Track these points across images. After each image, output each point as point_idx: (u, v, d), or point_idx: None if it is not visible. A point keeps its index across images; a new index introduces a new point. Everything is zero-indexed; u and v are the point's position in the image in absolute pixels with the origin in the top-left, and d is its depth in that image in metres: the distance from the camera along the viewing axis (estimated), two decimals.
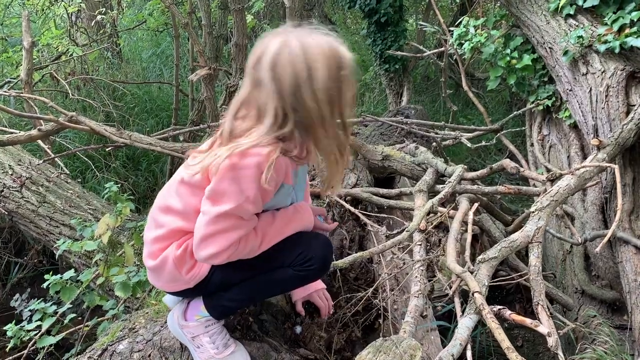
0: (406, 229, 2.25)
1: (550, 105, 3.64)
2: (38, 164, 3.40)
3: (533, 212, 2.40)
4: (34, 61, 5.10)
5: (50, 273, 2.15)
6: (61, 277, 2.11)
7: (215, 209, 1.38)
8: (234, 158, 1.33)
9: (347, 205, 2.97)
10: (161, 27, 6.38)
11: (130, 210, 2.55)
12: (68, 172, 3.66)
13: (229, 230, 1.40)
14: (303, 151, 1.46)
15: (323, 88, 1.34)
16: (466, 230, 2.54)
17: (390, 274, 2.43)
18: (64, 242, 2.26)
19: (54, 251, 3.24)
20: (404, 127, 3.48)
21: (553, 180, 2.69)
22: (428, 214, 2.37)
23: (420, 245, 2.41)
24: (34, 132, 2.78)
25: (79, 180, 4.91)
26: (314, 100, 1.34)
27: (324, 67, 1.34)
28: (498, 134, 3.64)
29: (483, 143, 3.49)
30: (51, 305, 2.16)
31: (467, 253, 2.35)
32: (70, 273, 2.15)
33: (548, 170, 3.57)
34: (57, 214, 3.23)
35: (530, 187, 3.14)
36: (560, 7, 3.37)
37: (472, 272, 2.24)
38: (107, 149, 3.20)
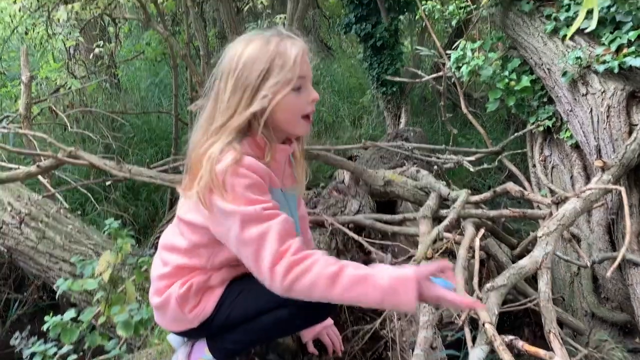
0: (413, 259, 2.21)
1: (550, 125, 3.63)
2: (37, 199, 3.37)
3: (540, 237, 2.36)
4: (32, 95, 5.11)
5: (51, 313, 2.10)
6: (61, 318, 2.06)
7: (234, 214, 1.29)
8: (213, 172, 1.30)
9: (351, 233, 2.93)
10: (159, 56, 6.42)
11: (131, 245, 2.51)
12: (67, 206, 3.62)
13: (265, 231, 1.29)
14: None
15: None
16: (473, 257, 2.51)
17: None
18: (64, 282, 2.21)
19: (55, 288, 3.19)
20: (408, 153, 3.46)
21: (558, 203, 2.66)
22: (434, 241, 2.33)
23: None
24: (32, 168, 2.75)
25: (79, 212, 4.88)
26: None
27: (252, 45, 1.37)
28: (500, 156, 3.62)
29: (485, 165, 3.47)
30: (52, 346, 2.10)
31: (476, 280, 2.31)
32: (71, 313, 2.10)
33: (551, 192, 3.54)
34: (57, 249, 3.18)
35: (535, 210, 3.11)
36: (557, 28, 3.39)
37: (481, 301, 2.20)
38: (107, 183, 3.16)
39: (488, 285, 2.21)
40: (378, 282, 1.21)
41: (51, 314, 2.07)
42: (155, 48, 6.70)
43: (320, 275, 1.24)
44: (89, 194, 4.65)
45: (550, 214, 2.69)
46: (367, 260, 3.11)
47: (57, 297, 2.36)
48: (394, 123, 6.68)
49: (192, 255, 1.47)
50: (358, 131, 7.25)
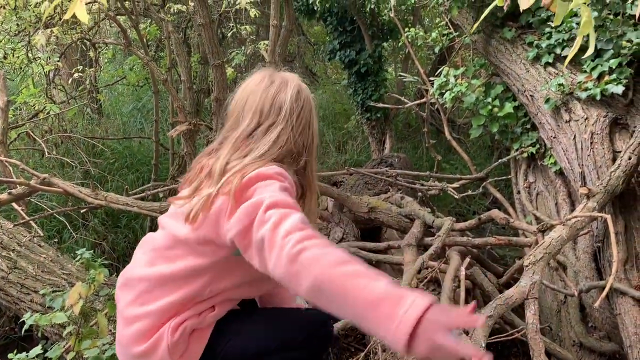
0: None
1: (534, 152, 3.62)
2: (10, 228, 3.25)
3: (527, 265, 2.32)
4: (11, 120, 5.01)
5: (15, 351, 1.98)
6: (27, 355, 1.95)
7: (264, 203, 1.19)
8: (252, 173, 1.29)
9: None
10: (141, 81, 6.36)
11: (105, 276, 2.41)
12: (42, 234, 3.50)
13: (292, 209, 1.18)
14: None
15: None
16: (459, 286, 2.45)
17: None
18: (30, 316, 2.10)
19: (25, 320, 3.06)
20: (392, 180, 3.42)
21: (544, 230, 2.63)
22: (419, 271, 2.27)
23: None
24: (3, 196, 2.66)
25: (56, 240, 4.74)
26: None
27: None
28: (484, 183, 3.60)
29: (469, 192, 3.44)
30: None
31: None
32: (37, 350, 1.99)
33: (537, 219, 3.51)
34: (28, 280, 3.05)
35: (521, 237, 3.07)
36: (539, 55, 3.41)
37: (467, 333, 2.13)
38: (82, 211, 3.06)
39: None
40: (373, 291, 0.97)
41: (15, 352, 1.96)
42: (138, 73, 6.66)
43: (330, 252, 1.05)
44: (66, 222, 4.53)
45: (536, 241, 2.65)
46: None
47: (22, 331, 2.23)
48: (378, 148, 6.69)
49: (188, 282, 1.35)
50: (343, 156, 7.24)
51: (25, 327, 2.11)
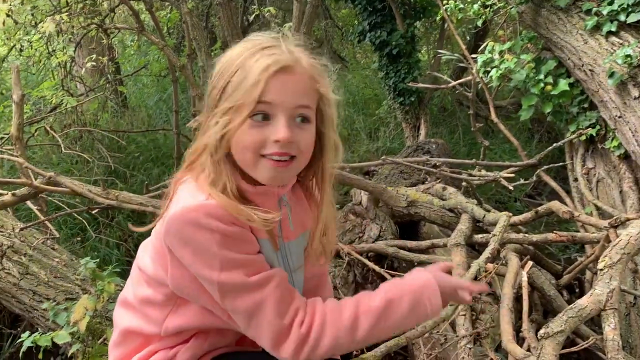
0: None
1: (594, 134, 3.22)
2: (22, 229, 3.04)
3: (602, 269, 1.95)
4: (29, 115, 4.83)
5: None
6: None
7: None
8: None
9: (371, 264, 2.54)
10: (164, 71, 6.14)
11: (119, 285, 2.16)
12: (57, 236, 3.29)
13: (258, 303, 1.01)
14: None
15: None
16: (517, 292, 2.11)
17: (431, 355, 1.98)
18: (28, 335, 1.86)
19: (39, 329, 2.86)
20: (434, 171, 3.08)
21: (617, 226, 2.25)
22: (475, 278, 1.93)
23: (465, 315, 1.97)
24: (7, 197, 2.44)
25: (79, 238, 4.57)
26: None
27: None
28: (537, 170, 3.22)
29: (522, 181, 3.07)
30: None
31: (526, 326, 1.90)
32: None
33: (598, 209, 3.12)
34: (40, 286, 2.84)
35: (585, 233, 2.69)
36: (599, 24, 3.00)
37: (533, 351, 1.81)
38: (93, 211, 2.82)
39: (542, 331, 1.81)
40: (401, 306, 1.07)
41: None
42: (162, 63, 6.44)
43: (338, 330, 1.03)
44: (87, 220, 4.33)
45: (607, 239, 2.28)
46: None
47: (20, 354, 1.99)
48: (412, 135, 6.36)
49: (142, 316, 1.12)
50: (375, 144, 6.90)
51: (24, 349, 1.86)
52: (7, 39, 4.90)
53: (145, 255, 1.13)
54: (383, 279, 2.60)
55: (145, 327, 1.11)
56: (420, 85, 4.38)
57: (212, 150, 1.02)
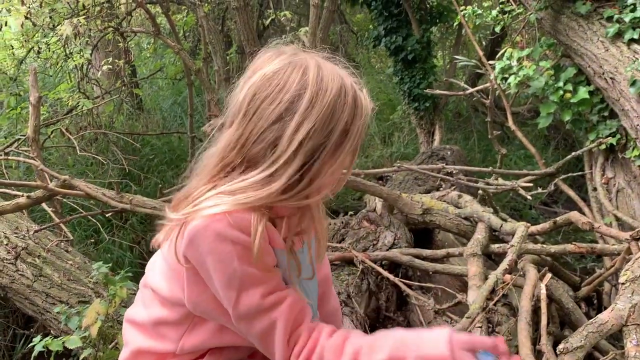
0: (466, 315, 1.78)
1: (614, 143, 3.15)
2: (36, 231, 3.05)
3: (624, 283, 1.91)
4: (46, 116, 4.87)
5: None
6: None
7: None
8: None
9: (385, 273, 2.51)
10: (180, 75, 6.15)
11: (131, 289, 2.15)
12: (71, 238, 3.30)
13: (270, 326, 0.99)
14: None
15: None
16: (534, 305, 2.06)
17: None
18: (39, 340, 1.85)
19: (51, 331, 2.87)
20: (450, 179, 3.04)
21: (638, 239, 2.20)
22: (492, 291, 1.89)
23: (481, 327, 1.93)
24: (21, 200, 2.44)
25: (92, 240, 4.58)
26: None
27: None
28: (555, 180, 3.16)
29: (540, 190, 3.02)
30: None
31: (544, 340, 1.85)
32: None
33: (617, 219, 3.05)
34: (54, 289, 2.84)
35: (605, 245, 2.63)
36: (621, 31, 2.94)
37: None
38: (107, 215, 2.82)
39: (561, 346, 1.76)
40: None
41: None
42: (177, 66, 6.46)
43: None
44: (101, 222, 4.34)
45: (628, 251, 2.23)
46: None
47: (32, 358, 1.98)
48: (427, 140, 6.31)
49: (156, 336, 1.08)
50: (389, 149, 6.86)
51: (35, 353, 1.86)
52: (25, 41, 4.94)
53: (156, 275, 1.10)
54: (397, 287, 2.57)
55: (159, 347, 1.08)
56: (436, 91, 4.33)
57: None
